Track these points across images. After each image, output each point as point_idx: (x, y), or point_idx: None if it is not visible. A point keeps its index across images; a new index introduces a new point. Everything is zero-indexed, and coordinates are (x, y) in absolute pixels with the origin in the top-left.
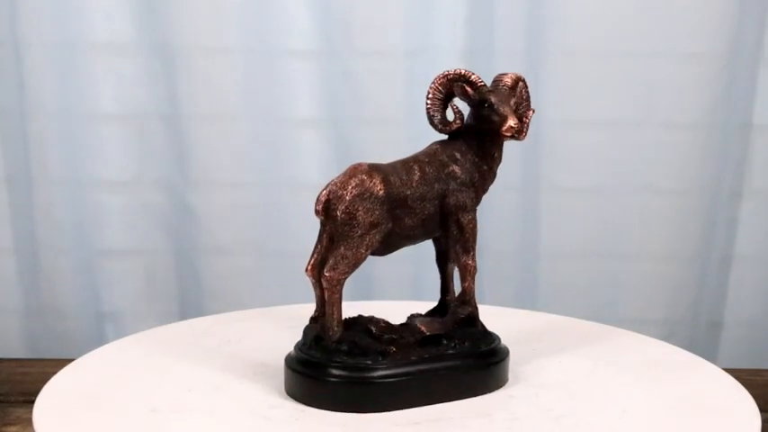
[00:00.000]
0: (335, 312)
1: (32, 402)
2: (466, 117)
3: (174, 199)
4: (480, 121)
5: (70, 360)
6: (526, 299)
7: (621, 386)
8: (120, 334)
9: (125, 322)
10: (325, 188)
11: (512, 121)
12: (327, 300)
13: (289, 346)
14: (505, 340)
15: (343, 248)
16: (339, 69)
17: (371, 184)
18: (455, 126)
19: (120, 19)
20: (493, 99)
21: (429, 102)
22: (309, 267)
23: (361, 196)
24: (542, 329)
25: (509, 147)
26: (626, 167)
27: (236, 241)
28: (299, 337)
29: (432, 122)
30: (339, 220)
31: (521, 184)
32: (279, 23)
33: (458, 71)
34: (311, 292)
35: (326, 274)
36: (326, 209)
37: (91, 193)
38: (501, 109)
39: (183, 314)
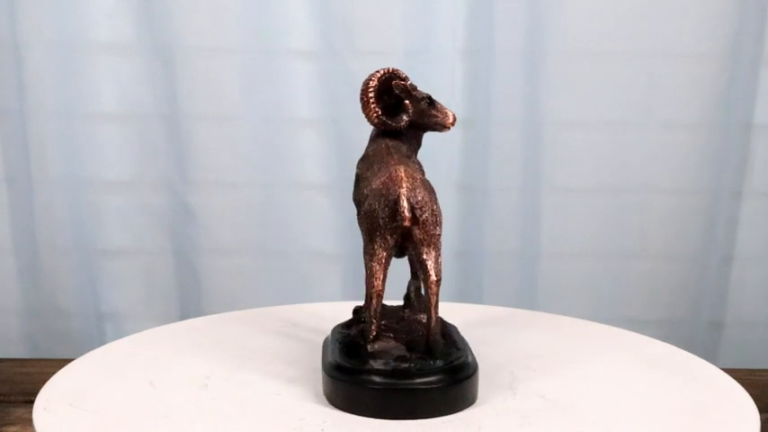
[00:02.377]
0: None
1: (32, 402)
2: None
3: (174, 199)
4: (421, 116)
5: (70, 360)
6: (526, 299)
7: (621, 386)
8: (120, 334)
9: (125, 322)
10: (398, 198)
11: (452, 113)
12: (435, 305)
13: (289, 346)
14: (506, 340)
15: (436, 250)
16: (339, 69)
17: (429, 184)
18: (406, 121)
19: (120, 19)
20: (430, 95)
21: (374, 100)
22: (382, 285)
23: (432, 196)
24: (541, 329)
25: (509, 147)
26: (626, 167)
27: (236, 241)
28: (299, 336)
29: (381, 120)
30: (429, 223)
31: (521, 184)
32: (279, 23)
33: (393, 70)
34: (311, 293)
35: (438, 279)
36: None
37: (91, 193)
38: (438, 104)
39: (183, 314)
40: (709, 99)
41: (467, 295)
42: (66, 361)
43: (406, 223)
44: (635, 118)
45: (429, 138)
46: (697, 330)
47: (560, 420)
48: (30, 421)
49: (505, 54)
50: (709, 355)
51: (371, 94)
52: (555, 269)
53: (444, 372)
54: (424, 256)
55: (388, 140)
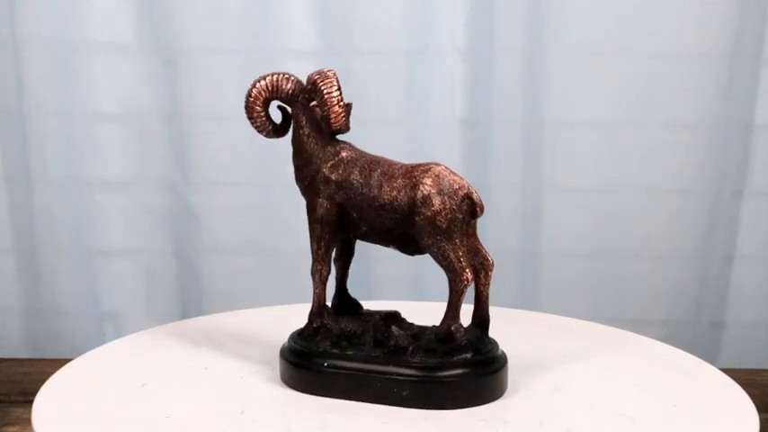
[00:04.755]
0: None
1: (32, 402)
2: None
3: (175, 199)
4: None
5: (70, 360)
6: (527, 299)
7: (620, 387)
8: (119, 334)
9: (125, 322)
10: (470, 193)
11: None
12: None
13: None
14: (506, 341)
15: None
16: (339, 69)
17: None
18: None
19: (120, 19)
20: None
21: (344, 102)
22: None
23: None
24: (542, 330)
25: (509, 147)
26: (626, 167)
27: (236, 241)
28: None
29: (347, 123)
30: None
31: (521, 184)
32: (279, 23)
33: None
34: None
35: (492, 260)
36: None
37: (91, 193)
38: None
39: (183, 314)
40: (710, 99)
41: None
42: (66, 361)
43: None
44: (635, 118)
45: (429, 137)
46: (697, 330)
47: (561, 420)
48: (29, 421)
49: (505, 54)
50: (710, 355)
51: (340, 94)
52: (555, 269)
53: (475, 364)
54: (478, 243)
55: (347, 141)
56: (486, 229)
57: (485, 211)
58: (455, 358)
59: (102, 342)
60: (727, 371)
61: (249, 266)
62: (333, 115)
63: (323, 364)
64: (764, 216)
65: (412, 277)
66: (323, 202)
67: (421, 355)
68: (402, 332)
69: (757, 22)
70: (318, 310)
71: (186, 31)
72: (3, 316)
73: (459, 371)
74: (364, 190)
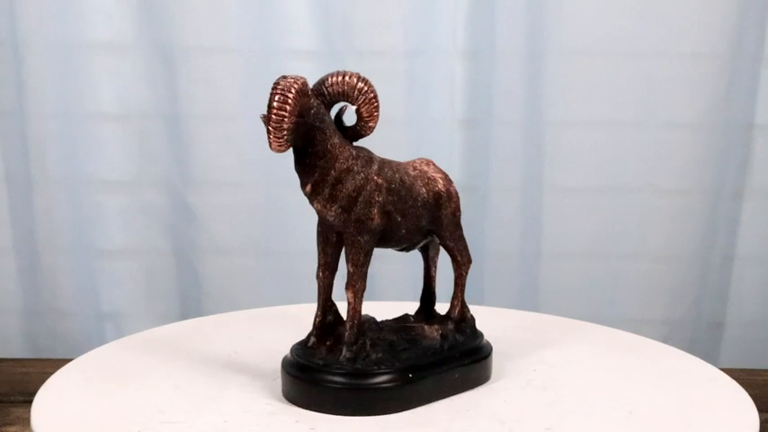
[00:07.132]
0: None
1: (32, 402)
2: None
3: (174, 199)
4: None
5: (70, 360)
6: (527, 299)
7: (620, 387)
8: (120, 334)
9: (125, 322)
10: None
11: None
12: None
13: (289, 346)
14: (505, 341)
15: None
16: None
17: None
18: None
19: (120, 19)
20: None
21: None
22: None
23: None
24: (542, 330)
25: (509, 147)
26: (626, 167)
27: (236, 241)
28: (300, 337)
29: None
30: None
31: (521, 184)
32: (279, 23)
33: None
34: (311, 292)
35: None
36: None
37: (91, 193)
38: None
39: (183, 314)
40: (710, 99)
41: (467, 296)
42: (66, 361)
43: None
44: (635, 118)
45: (429, 137)
46: (697, 330)
47: (562, 420)
48: (29, 421)
49: (505, 54)
50: (710, 355)
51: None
52: (555, 269)
53: (470, 352)
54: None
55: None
56: (486, 230)
57: (484, 210)
58: (478, 340)
59: (102, 342)
60: (727, 371)
61: (249, 266)
62: (374, 119)
63: (408, 375)
64: (764, 216)
65: (412, 277)
66: (378, 212)
67: (464, 339)
68: (436, 326)
69: (757, 22)
70: (360, 328)
71: (186, 31)
72: (3, 316)
73: (487, 345)
74: (407, 191)
